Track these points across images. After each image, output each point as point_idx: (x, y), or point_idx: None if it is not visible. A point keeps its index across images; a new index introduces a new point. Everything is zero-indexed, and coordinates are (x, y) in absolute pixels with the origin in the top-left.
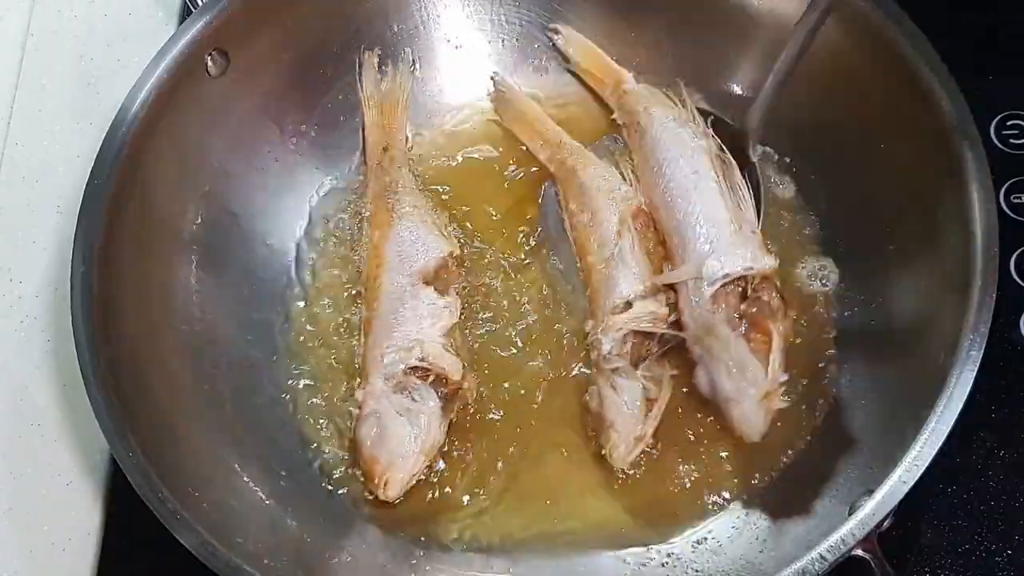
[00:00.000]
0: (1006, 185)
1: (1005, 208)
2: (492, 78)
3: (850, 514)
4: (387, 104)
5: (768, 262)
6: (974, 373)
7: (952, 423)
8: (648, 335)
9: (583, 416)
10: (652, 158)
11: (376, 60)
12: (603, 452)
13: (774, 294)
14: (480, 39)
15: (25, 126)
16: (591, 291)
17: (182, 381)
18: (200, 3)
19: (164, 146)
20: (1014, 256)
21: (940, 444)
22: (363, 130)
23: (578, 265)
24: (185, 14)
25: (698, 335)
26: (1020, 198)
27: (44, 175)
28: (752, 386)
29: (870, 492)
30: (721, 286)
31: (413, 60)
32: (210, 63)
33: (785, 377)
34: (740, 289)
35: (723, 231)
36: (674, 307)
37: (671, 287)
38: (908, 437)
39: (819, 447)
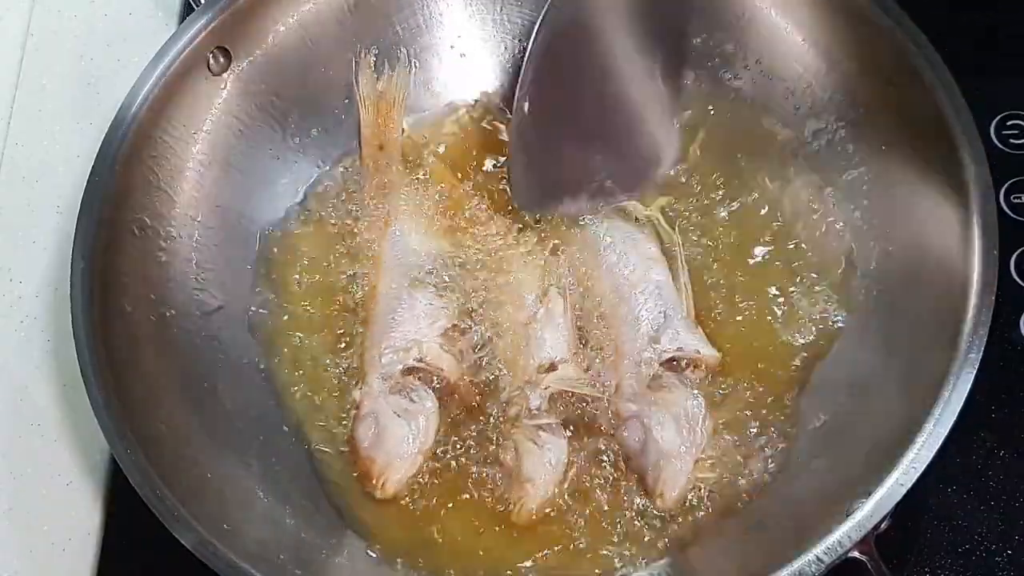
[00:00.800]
0: (1006, 185)
1: (1005, 208)
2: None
3: (847, 516)
4: (383, 104)
5: (715, 354)
6: (974, 373)
7: (951, 425)
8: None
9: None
10: (592, 239)
11: (372, 60)
12: (510, 507)
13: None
14: (482, 39)
15: (25, 126)
16: (503, 348)
17: (182, 380)
18: (202, 0)
19: (164, 145)
20: (1014, 256)
21: (938, 447)
22: (358, 130)
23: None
24: (185, 14)
25: (639, 391)
26: (1020, 198)
27: (44, 175)
28: (694, 446)
29: (868, 494)
30: (666, 360)
31: (410, 60)
32: (212, 61)
33: (713, 454)
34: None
35: (677, 312)
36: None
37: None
38: (907, 438)
39: (817, 447)
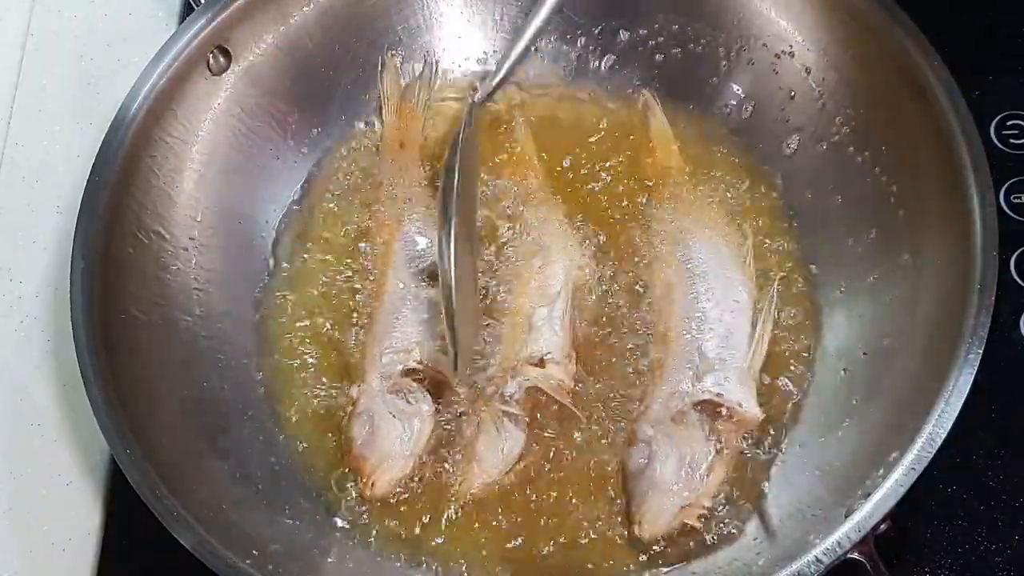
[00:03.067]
0: (1006, 185)
1: (1005, 208)
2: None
3: (847, 517)
4: (406, 104)
5: (756, 413)
6: (974, 374)
7: (950, 426)
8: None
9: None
10: (691, 264)
11: (399, 61)
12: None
13: (742, 437)
14: (481, 39)
15: (25, 126)
16: (506, 328)
17: (182, 380)
18: (202, 0)
19: (164, 145)
20: (1014, 256)
21: (937, 447)
22: (381, 128)
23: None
24: (185, 13)
25: (663, 420)
26: (1020, 198)
27: (44, 175)
28: (687, 490)
29: (867, 495)
30: (705, 400)
31: (437, 62)
32: (212, 61)
33: (708, 504)
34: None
35: (736, 361)
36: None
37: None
38: (906, 439)
39: (817, 449)
